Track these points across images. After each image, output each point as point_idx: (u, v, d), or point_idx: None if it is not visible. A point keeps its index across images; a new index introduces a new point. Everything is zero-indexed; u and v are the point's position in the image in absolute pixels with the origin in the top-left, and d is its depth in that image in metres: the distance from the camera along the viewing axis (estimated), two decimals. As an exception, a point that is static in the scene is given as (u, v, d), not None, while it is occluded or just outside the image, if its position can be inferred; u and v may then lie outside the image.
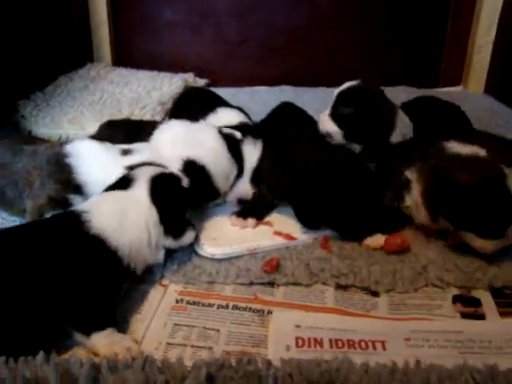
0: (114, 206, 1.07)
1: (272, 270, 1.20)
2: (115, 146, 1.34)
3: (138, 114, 1.93)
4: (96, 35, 2.63)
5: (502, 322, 1.05)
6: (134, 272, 1.07)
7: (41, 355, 0.82)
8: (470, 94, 2.58)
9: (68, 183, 1.26)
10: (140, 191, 1.10)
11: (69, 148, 1.32)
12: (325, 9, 2.65)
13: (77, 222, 1.00)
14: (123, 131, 1.50)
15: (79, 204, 1.13)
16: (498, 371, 0.76)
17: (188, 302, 1.13)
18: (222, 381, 0.76)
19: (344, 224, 1.29)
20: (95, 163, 1.28)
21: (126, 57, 2.69)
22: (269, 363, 0.80)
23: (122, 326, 1.04)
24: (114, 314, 1.01)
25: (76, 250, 0.97)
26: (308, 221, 1.32)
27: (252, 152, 1.45)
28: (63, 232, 1.00)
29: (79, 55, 2.54)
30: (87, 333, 0.95)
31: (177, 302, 1.13)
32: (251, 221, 1.36)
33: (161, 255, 1.15)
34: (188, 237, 1.20)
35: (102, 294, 0.98)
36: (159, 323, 1.06)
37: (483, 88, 2.62)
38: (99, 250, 0.99)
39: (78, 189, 1.26)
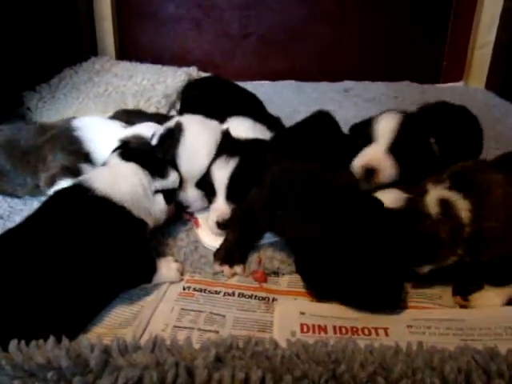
0: (106, 170, 1.22)
1: (262, 280, 1.20)
2: (116, 121, 1.50)
3: (142, 106, 1.95)
4: (100, 29, 2.66)
5: (501, 310, 1.07)
6: (146, 224, 1.18)
7: (52, 339, 0.83)
8: (471, 90, 2.60)
9: (79, 153, 1.41)
10: (117, 155, 1.25)
11: (77, 122, 1.47)
12: (327, 5, 2.68)
13: (83, 190, 1.12)
14: (136, 119, 1.58)
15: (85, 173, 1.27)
16: (498, 353, 0.78)
17: (195, 289, 1.16)
18: (231, 361, 0.78)
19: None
20: (100, 134, 1.44)
21: (130, 51, 2.72)
22: (276, 344, 0.82)
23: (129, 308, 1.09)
24: (154, 261, 1.16)
25: (94, 212, 1.09)
26: (315, 283, 1.13)
27: (223, 169, 1.32)
28: (78, 200, 1.11)
29: (83, 49, 2.57)
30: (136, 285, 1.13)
31: (184, 289, 1.16)
32: (238, 268, 1.22)
33: (160, 203, 1.23)
34: (173, 176, 1.29)
35: (134, 245, 1.11)
36: (166, 308, 1.09)
37: (484, 84, 2.64)
38: (110, 207, 1.11)
39: (87, 157, 1.41)
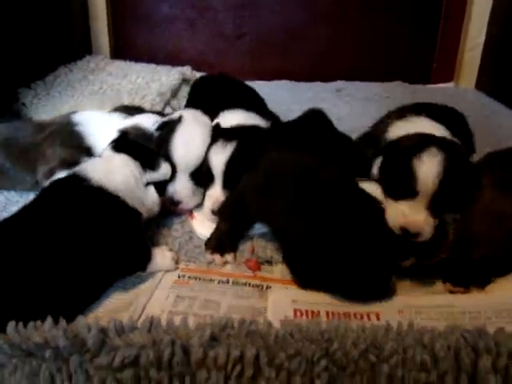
0: (101, 160, 1.24)
1: (256, 269, 1.22)
2: (117, 114, 1.52)
3: (137, 104, 1.96)
4: (94, 28, 2.67)
5: (491, 295, 1.10)
6: (140, 214, 1.20)
7: (49, 320, 0.84)
8: (462, 90, 2.64)
9: (80, 148, 1.42)
10: (110, 147, 1.28)
11: (77, 117, 1.49)
12: (321, 6, 2.71)
13: (79, 180, 1.13)
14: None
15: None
16: (486, 331, 0.80)
17: (190, 278, 1.18)
18: (226, 340, 0.80)
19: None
20: (101, 128, 1.46)
21: (124, 50, 2.74)
22: (270, 324, 0.84)
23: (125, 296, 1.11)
24: (149, 250, 1.18)
25: (90, 201, 1.11)
26: (303, 275, 1.15)
27: (220, 154, 1.32)
28: (74, 190, 1.13)
29: (77, 47, 2.58)
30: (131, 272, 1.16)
31: (179, 277, 1.18)
32: (229, 257, 1.24)
33: (152, 195, 1.25)
34: (164, 168, 1.30)
35: (128, 233, 1.13)
36: (162, 295, 1.11)
37: (474, 84, 2.68)
38: (105, 196, 1.13)
39: (89, 151, 1.43)
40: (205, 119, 1.47)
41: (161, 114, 1.64)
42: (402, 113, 1.47)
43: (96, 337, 0.80)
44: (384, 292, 1.10)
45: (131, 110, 1.63)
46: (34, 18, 2.18)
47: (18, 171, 1.43)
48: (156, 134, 1.42)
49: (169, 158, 1.34)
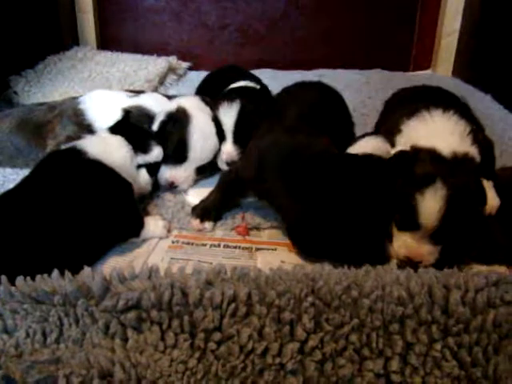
0: (98, 138, 1.31)
1: (245, 234, 1.29)
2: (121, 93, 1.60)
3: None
4: (81, 20, 2.72)
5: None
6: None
7: (56, 272, 0.91)
8: (439, 77, 2.73)
9: (81, 124, 1.50)
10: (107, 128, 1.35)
11: (83, 97, 1.59)
12: (301, -3, 2.79)
13: (77, 152, 1.20)
14: None
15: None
16: (456, 271, 0.89)
17: (183, 243, 1.25)
18: (220, 283, 0.87)
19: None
20: (102, 105, 1.54)
21: (110, 41, 2.79)
22: (260, 270, 0.91)
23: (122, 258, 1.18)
24: (141, 217, 1.25)
25: (87, 171, 1.18)
26: (307, 247, 1.19)
27: (228, 113, 1.48)
28: (72, 160, 1.20)
29: (65, 38, 2.62)
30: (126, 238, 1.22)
31: (173, 242, 1.25)
32: (208, 224, 1.31)
33: (144, 176, 1.33)
34: (156, 151, 1.37)
35: (122, 201, 1.20)
36: (157, 258, 1.18)
37: (451, 71, 2.78)
38: (101, 167, 1.19)
39: (90, 128, 1.49)
40: (208, 109, 1.55)
41: (167, 96, 1.69)
42: (409, 106, 1.41)
43: (100, 284, 0.86)
44: (380, 257, 1.13)
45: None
46: (22, 10, 2.22)
47: (32, 148, 1.52)
48: (161, 119, 1.47)
49: (182, 149, 1.44)
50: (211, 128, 1.48)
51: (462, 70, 2.70)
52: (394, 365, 0.78)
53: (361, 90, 2.43)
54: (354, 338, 0.80)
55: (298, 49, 2.83)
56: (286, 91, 1.65)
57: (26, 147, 1.52)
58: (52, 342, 0.84)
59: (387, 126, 1.41)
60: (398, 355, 0.79)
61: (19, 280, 0.88)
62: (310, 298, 0.83)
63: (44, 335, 0.84)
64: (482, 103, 2.26)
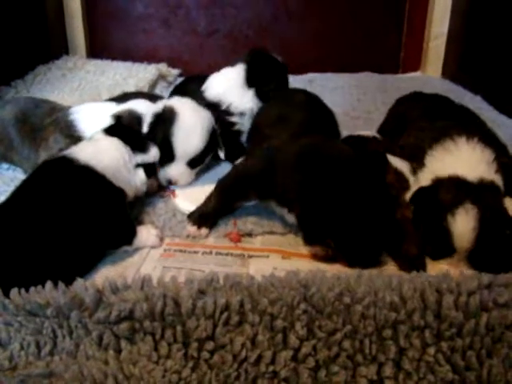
0: (90, 143, 1.29)
1: (237, 240, 1.28)
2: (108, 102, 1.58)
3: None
4: (70, 28, 2.73)
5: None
6: (126, 194, 1.26)
7: (49, 284, 0.91)
8: (429, 79, 2.75)
9: (72, 136, 1.47)
10: (102, 131, 1.34)
11: (74, 107, 1.56)
12: (289, 1, 2.80)
13: (68, 161, 1.20)
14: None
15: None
16: (447, 274, 0.89)
17: (175, 250, 1.24)
18: (213, 292, 0.87)
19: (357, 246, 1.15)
20: (91, 116, 1.51)
21: (100, 49, 2.79)
22: (252, 277, 0.91)
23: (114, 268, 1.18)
24: (133, 225, 1.25)
25: (78, 180, 1.17)
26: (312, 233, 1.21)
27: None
28: (64, 169, 1.19)
29: (54, 47, 2.62)
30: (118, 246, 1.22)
31: (165, 250, 1.24)
32: (204, 231, 1.30)
33: (140, 175, 1.32)
34: (154, 151, 1.37)
35: (113, 210, 1.20)
36: (149, 266, 1.18)
37: (440, 73, 2.79)
38: (92, 175, 1.19)
39: (81, 139, 1.44)
40: (199, 107, 1.54)
41: (159, 97, 1.69)
42: (423, 123, 1.46)
43: (93, 295, 0.86)
44: (374, 261, 1.17)
45: (131, 96, 1.67)
46: (10, 20, 2.22)
47: (25, 148, 1.51)
48: (150, 121, 1.47)
49: (168, 147, 1.44)
50: (197, 121, 1.47)
51: (451, 71, 2.72)
52: (388, 370, 0.78)
53: (351, 92, 2.45)
54: (346, 344, 0.80)
55: (288, 53, 2.82)
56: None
57: (20, 145, 1.52)
58: (46, 354, 0.84)
59: (406, 152, 1.40)
60: (391, 361, 0.79)
61: (13, 292, 0.88)
62: (302, 306, 0.83)
63: (38, 347, 0.85)
64: (473, 104, 2.27)
